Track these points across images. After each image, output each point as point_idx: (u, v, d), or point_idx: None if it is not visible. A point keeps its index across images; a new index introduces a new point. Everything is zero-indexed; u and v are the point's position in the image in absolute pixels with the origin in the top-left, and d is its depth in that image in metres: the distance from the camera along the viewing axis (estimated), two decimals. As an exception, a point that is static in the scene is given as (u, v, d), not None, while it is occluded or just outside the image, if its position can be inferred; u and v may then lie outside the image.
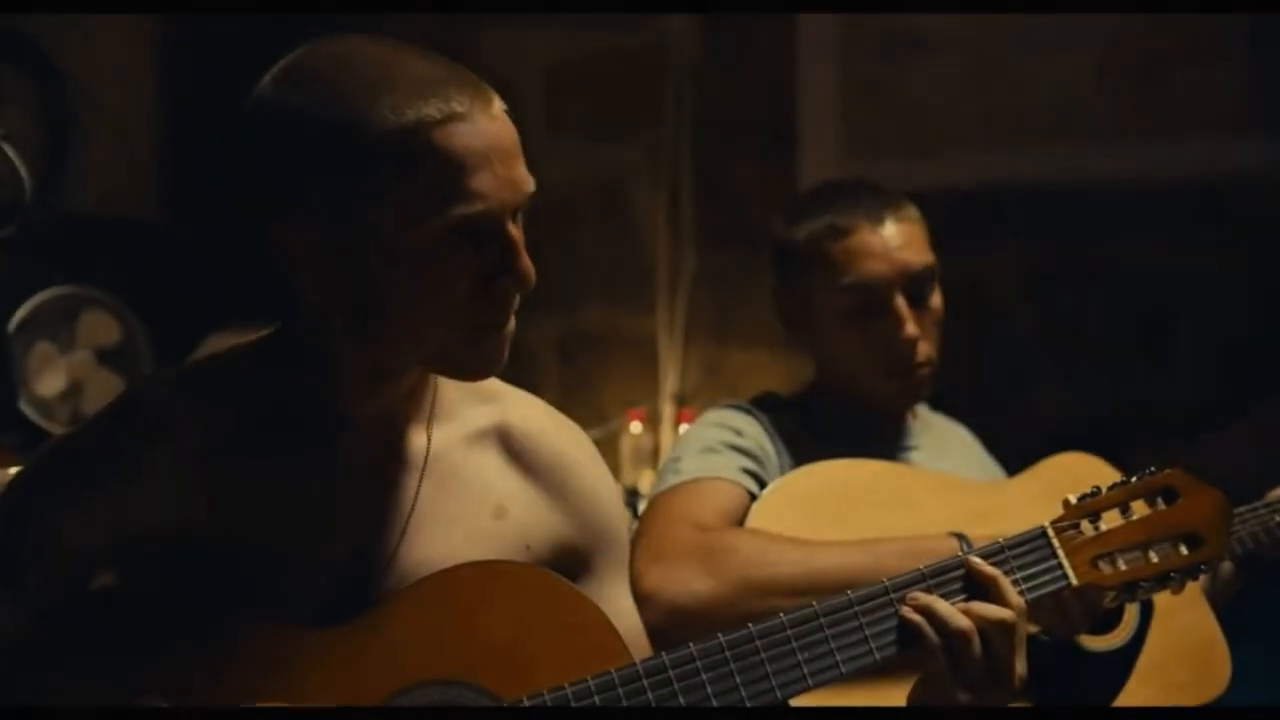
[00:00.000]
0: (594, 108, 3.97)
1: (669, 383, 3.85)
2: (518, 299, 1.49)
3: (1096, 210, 3.65)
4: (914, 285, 2.21)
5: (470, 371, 1.49)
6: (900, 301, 2.20)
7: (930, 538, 2.00)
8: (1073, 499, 1.66)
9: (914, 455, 2.27)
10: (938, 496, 2.13)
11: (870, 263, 2.17)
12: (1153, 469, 1.70)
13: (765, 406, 2.25)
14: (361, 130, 1.37)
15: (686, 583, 1.93)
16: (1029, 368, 3.71)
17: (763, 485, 2.10)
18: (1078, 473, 2.21)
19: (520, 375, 3.87)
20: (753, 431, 2.17)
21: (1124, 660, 2.03)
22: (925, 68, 3.74)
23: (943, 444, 2.34)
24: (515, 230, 1.48)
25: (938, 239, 3.46)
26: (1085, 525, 1.64)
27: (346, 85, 1.39)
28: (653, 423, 3.75)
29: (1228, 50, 3.57)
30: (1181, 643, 2.09)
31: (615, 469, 3.75)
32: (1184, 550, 1.66)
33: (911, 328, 2.19)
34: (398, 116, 1.37)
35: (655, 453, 3.61)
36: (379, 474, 1.50)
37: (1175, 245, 3.61)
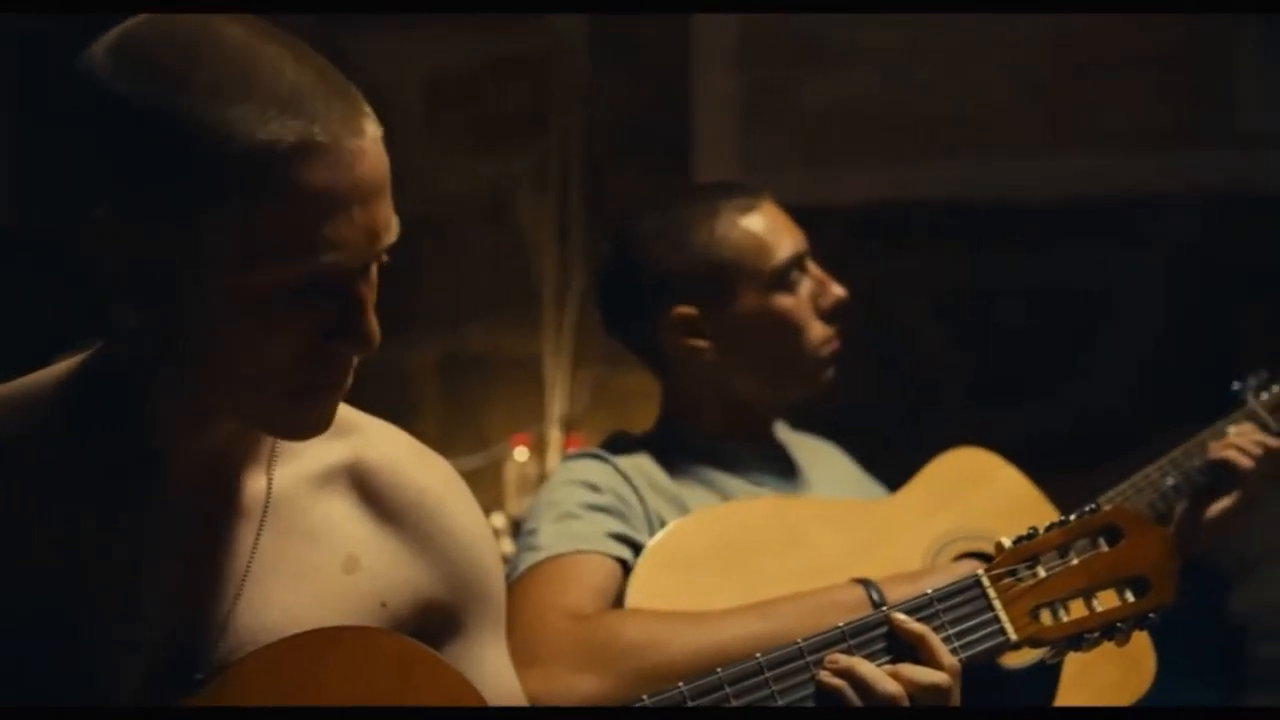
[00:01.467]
0: (477, 117, 3.74)
1: (556, 407, 3.63)
2: (355, 360, 1.23)
3: (1008, 225, 3.50)
4: None
5: (287, 434, 1.25)
6: (813, 264, 2.04)
7: (834, 589, 1.80)
8: (1007, 542, 1.47)
9: (789, 476, 2.07)
10: (828, 527, 1.94)
11: (786, 238, 2.00)
12: (1093, 506, 1.52)
13: (619, 449, 2.00)
14: (201, 139, 1.11)
15: (570, 685, 1.70)
16: (937, 386, 3.55)
17: (634, 546, 1.86)
18: (968, 472, 2.07)
19: (398, 399, 3.68)
20: (610, 483, 1.92)
21: (1048, 671, 1.86)
22: (828, 76, 3.56)
23: (816, 461, 2.14)
24: (366, 288, 1.20)
25: (842, 253, 3.28)
26: (1023, 571, 1.46)
27: (193, 79, 1.11)
28: (539, 449, 3.53)
29: (1147, 62, 3.43)
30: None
31: (499, 498, 3.53)
32: (1130, 597, 1.48)
33: (838, 288, 2.04)
34: (247, 133, 1.11)
35: (541, 480, 3.39)
36: (207, 525, 1.25)
37: (1088, 263, 3.47)
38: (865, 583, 1.81)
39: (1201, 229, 3.43)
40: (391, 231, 1.22)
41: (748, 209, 2.01)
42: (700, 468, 2.02)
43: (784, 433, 2.16)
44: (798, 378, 2.04)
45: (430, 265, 3.73)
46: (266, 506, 1.28)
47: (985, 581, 1.41)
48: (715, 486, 2.01)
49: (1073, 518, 1.50)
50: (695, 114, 3.61)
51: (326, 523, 1.31)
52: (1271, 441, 2.11)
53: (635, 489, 1.94)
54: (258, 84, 1.12)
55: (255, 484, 1.28)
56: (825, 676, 1.32)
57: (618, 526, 1.89)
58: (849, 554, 1.91)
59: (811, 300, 2.01)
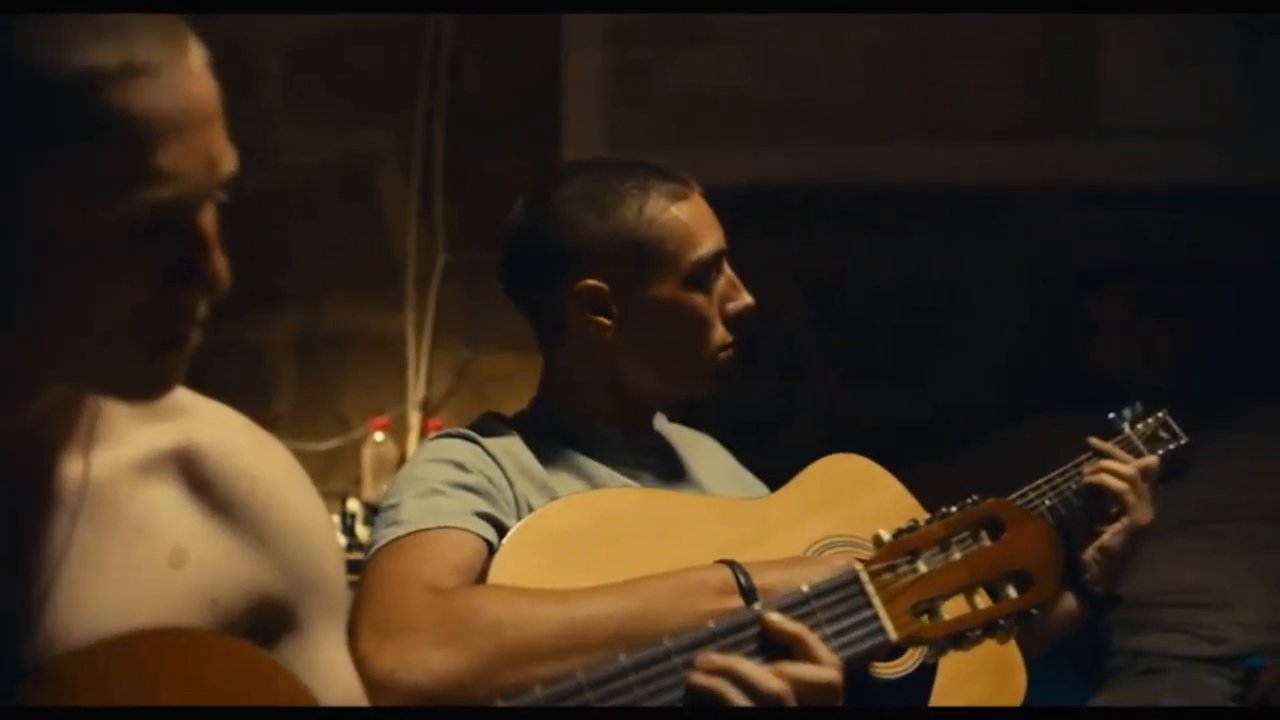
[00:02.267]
0: (340, 88, 3.58)
1: (417, 388, 3.49)
2: (204, 306, 1.10)
3: (875, 211, 3.43)
4: None
5: (133, 396, 1.12)
6: (731, 271, 1.92)
7: (701, 569, 1.69)
8: (886, 535, 1.38)
9: (667, 469, 1.97)
10: (703, 523, 1.83)
11: (711, 234, 1.87)
12: (974, 498, 1.44)
13: (489, 431, 1.87)
14: (14, 68, 0.98)
15: (426, 661, 1.56)
16: (806, 373, 3.47)
17: (499, 529, 1.75)
18: (848, 478, 1.98)
19: (252, 378, 3.51)
20: (478, 464, 1.80)
21: (921, 683, 1.79)
22: (697, 57, 3.46)
23: (696, 456, 2.04)
24: (208, 221, 1.08)
25: None
26: (903, 566, 1.36)
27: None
28: (398, 431, 3.38)
29: (1013, 54, 3.38)
30: (975, 654, 1.85)
31: (357, 481, 3.38)
32: (1013, 592, 1.40)
33: (748, 296, 1.92)
34: (64, 60, 0.98)
35: (400, 464, 3.24)
36: (17, 515, 1.11)
37: (953, 251, 3.41)
38: (732, 564, 1.71)
39: (1062, 220, 3.39)
40: (229, 161, 1.09)
41: (680, 196, 1.88)
42: (573, 454, 1.90)
43: (664, 425, 2.06)
44: (690, 377, 1.93)
45: (289, 239, 3.57)
46: (83, 495, 1.13)
47: (864, 577, 1.32)
48: (587, 475, 1.89)
49: (954, 510, 1.42)
50: (564, 91, 3.48)
51: (151, 513, 1.17)
52: (1139, 461, 2.11)
53: (504, 471, 1.82)
54: (71, 17, 1.01)
55: (70, 469, 1.14)
56: (699, 678, 1.21)
57: (484, 506, 1.77)
58: (722, 551, 1.80)
59: (720, 303, 1.89)
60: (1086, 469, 2.10)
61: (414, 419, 3.46)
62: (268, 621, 1.22)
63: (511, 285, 1.96)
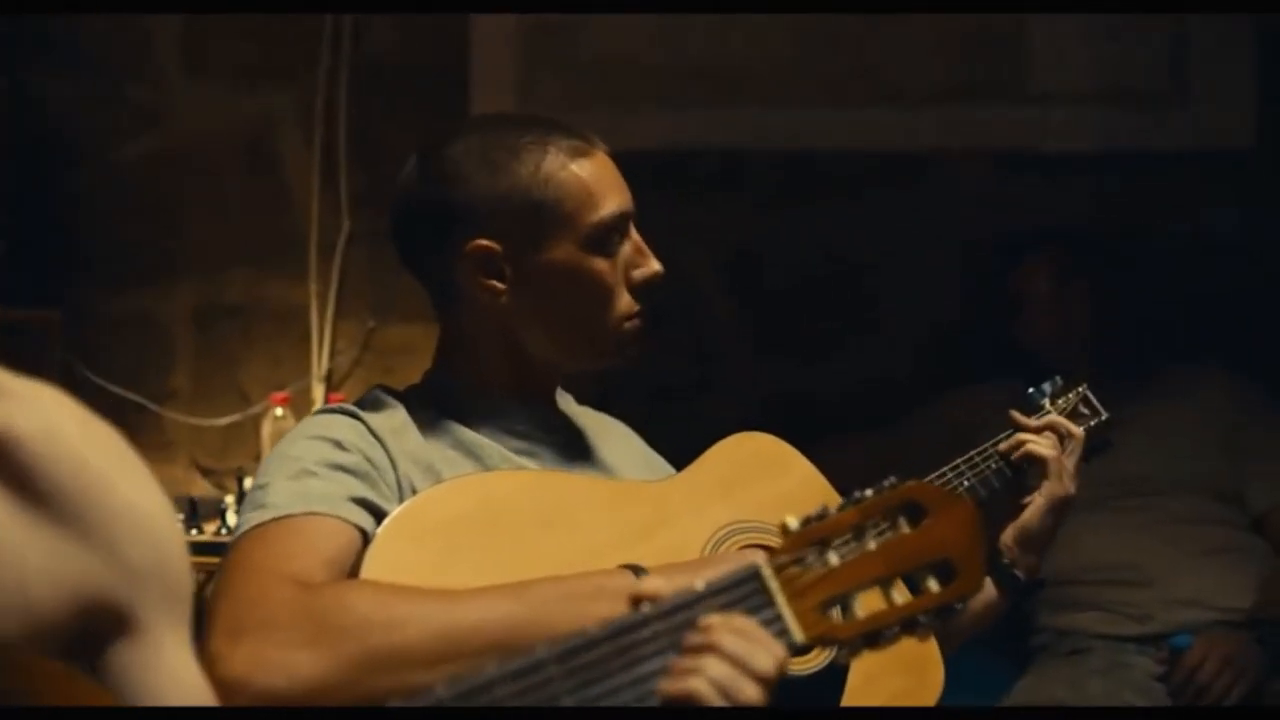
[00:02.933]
0: (238, 49, 3.38)
1: (320, 361, 3.30)
2: None
3: (793, 178, 3.28)
4: None
5: None
6: (635, 230, 1.76)
7: (600, 574, 1.55)
8: (793, 523, 1.23)
9: (569, 450, 1.80)
10: (602, 507, 1.68)
11: (614, 194, 1.72)
12: (892, 480, 1.28)
13: (374, 405, 1.71)
14: None
15: (286, 663, 1.39)
16: (719, 346, 3.31)
17: (378, 515, 1.58)
18: (755, 458, 1.84)
19: (150, 351, 3.32)
20: (358, 442, 1.63)
21: (833, 680, 1.66)
22: (610, 17, 3.28)
23: (602, 439, 1.88)
24: None
25: None
26: (811, 559, 1.21)
27: None
28: (300, 406, 3.19)
29: (939, 17, 3.22)
30: (891, 649, 1.72)
31: (257, 458, 3.20)
32: (934, 585, 1.25)
33: (657, 262, 1.76)
34: None
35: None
36: None
37: (874, 218, 3.26)
38: (636, 569, 1.56)
39: (988, 186, 3.25)
40: None
41: (581, 153, 1.72)
42: (465, 430, 1.74)
43: (571, 406, 1.90)
44: (591, 347, 1.77)
45: (187, 207, 3.37)
46: None
47: (767, 572, 1.17)
48: (478, 454, 1.73)
49: (869, 493, 1.26)
50: (471, 52, 3.30)
51: (-42, 505, 1.00)
52: (1069, 427, 2.01)
53: (388, 451, 1.65)
54: None
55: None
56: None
57: (362, 490, 1.60)
58: (621, 538, 1.66)
59: (625, 269, 1.74)
60: (1005, 446, 1.98)
61: (317, 393, 3.28)
62: (100, 624, 1.05)
63: (403, 248, 1.79)
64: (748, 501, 1.77)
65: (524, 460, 1.75)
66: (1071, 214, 3.19)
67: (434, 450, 1.71)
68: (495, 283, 1.72)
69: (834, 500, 1.73)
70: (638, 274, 1.74)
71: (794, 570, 1.18)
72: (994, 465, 1.97)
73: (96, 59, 3.36)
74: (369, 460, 1.63)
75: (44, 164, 3.31)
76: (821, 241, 3.26)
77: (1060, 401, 2.09)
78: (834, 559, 1.21)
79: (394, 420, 1.70)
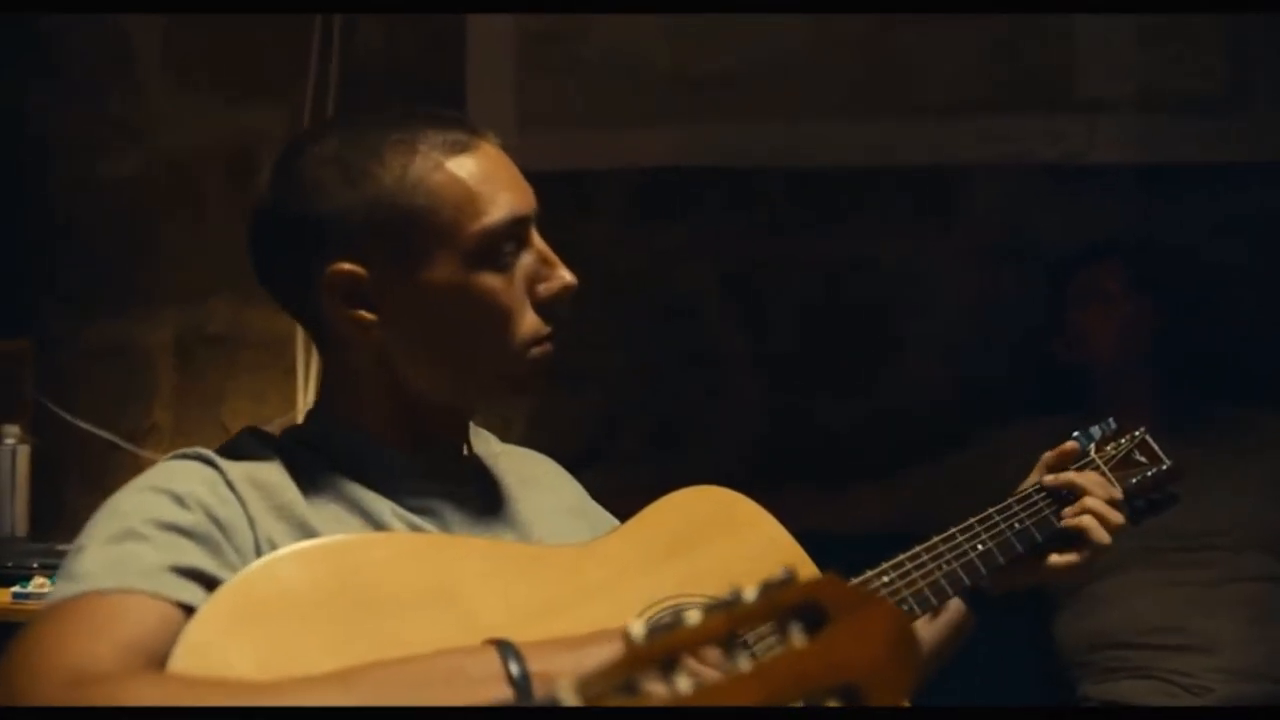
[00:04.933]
0: (225, 62, 3.06)
1: (306, 395, 2.97)
2: None
3: (806, 194, 2.89)
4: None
5: None
6: (538, 237, 1.39)
7: (456, 653, 1.19)
8: (638, 632, 0.85)
9: (481, 504, 1.44)
10: (502, 578, 1.30)
11: (504, 194, 1.35)
12: (786, 572, 0.90)
13: (241, 452, 1.36)
14: None
15: None
16: (723, 370, 2.93)
17: (216, 587, 1.23)
18: (706, 518, 1.44)
19: (129, 384, 2.99)
20: (205, 497, 1.29)
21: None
22: (612, 25, 2.92)
23: (526, 487, 1.51)
24: None
25: (624, 221, 2.61)
26: (650, 684, 0.83)
27: None
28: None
29: (973, 20, 2.82)
30: None
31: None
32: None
33: (568, 272, 1.39)
34: None
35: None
36: None
37: (893, 238, 2.87)
38: (501, 645, 1.19)
39: (1027, 202, 2.84)
40: None
41: (459, 148, 1.35)
42: (350, 484, 1.38)
43: (491, 447, 1.54)
44: (488, 383, 1.40)
45: (169, 229, 3.05)
46: None
47: (566, 697, 0.79)
48: (369, 512, 1.37)
49: (748, 593, 0.88)
50: (467, 66, 2.96)
51: None
52: (1097, 485, 1.61)
53: (246, 508, 1.30)
54: None
55: None
56: None
57: (196, 559, 1.25)
58: (520, 616, 1.28)
59: (528, 282, 1.37)
60: (1066, 512, 1.58)
61: (302, 428, 2.94)
62: None
63: (260, 273, 1.43)
64: (696, 569, 1.38)
65: (421, 520, 1.38)
66: (1120, 233, 2.78)
67: (312, 508, 1.34)
68: (363, 313, 1.36)
69: (804, 564, 1.35)
70: (544, 289, 1.38)
71: (616, 700, 0.80)
72: (1018, 526, 1.56)
73: (74, 70, 3.06)
74: (214, 520, 1.28)
75: (16, 181, 3.01)
76: (841, 265, 2.87)
77: (1110, 448, 1.68)
78: (684, 686, 0.83)
79: (262, 471, 1.34)
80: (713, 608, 0.87)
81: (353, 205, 1.33)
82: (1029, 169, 2.84)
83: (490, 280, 1.35)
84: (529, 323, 1.37)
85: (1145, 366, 2.60)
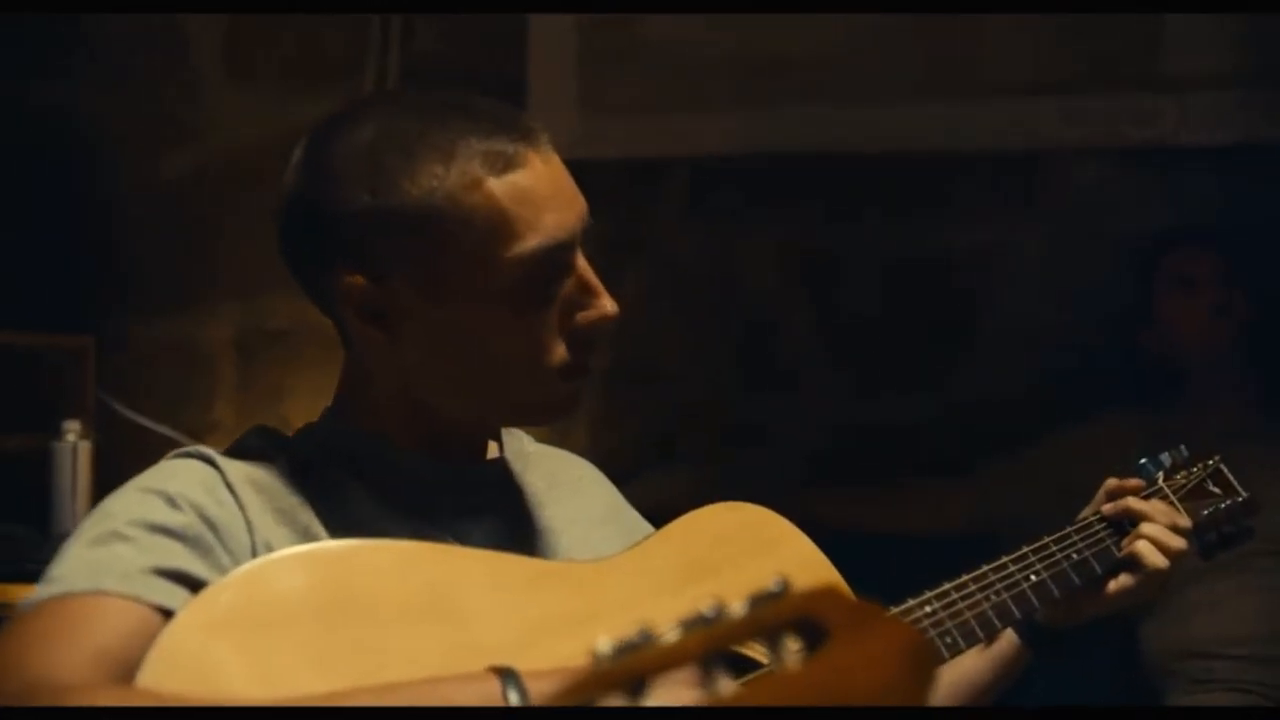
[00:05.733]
0: (284, 54, 2.98)
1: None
2: None
3: (876, 181, 2.74)
4: (584, 235, 1.26)
5: None
6: (586, 263, 1.26)
7: (453, 681, 1.08)
8: (604, 648, 0.73)
9: (500, 511, 1.32)
10: (510, 592, 1.19)
11: (552, 213, 1.21)
12: (779, 583, 0.77)
13: (246, 451, 1.26)
14: None
15: None
16: (800, 368, 2.79)
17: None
18: (737, 534, 1.31)
19: (191, 382, 2.93)
20: (201, 498, 1.19)
21: None
22: (676, 12, 2.79)
23: (557, 493, 1.39)
24: None
25: (691, 211, 2.45)
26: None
27: None
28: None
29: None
30: None
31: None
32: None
33: (610, 300, 1.25)
34: None
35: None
36: None
37: (969, 226, 2.72)
38: (507, 675, 1.08)
39: (1111, 186, 2.67)
40: None
41: (501, 163, 1.19)
42: (360, 489, 1.27)
43: (519, 444, 1.41)
44: (511, 409, 1.30)
45: (227, 225, 2.98)
46: None
47: None
48: (373, 516, 1.26)
49: (734, 607, 0.75)
50: (529, 54, 2.85)
51: None
52: (1182, 520, 1.45)
53: (244, 509, 1.21)
54: None
55: None
56: None
57: (183, 561, 1.15)
58: (525, 635, 1.17)
59: (565, 310, 1.24)
60: (1101, 532, 1.44)
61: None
62: None
63: (286, 259, 1.33)
64: (719, 591, 1.25)
65: (433, 527, 1.27)
66: (1211, 217, 2.60)
67: (317, 512, 1.24)
68: (372, 330, 1.24)
69: (840, 594, 1.21)
70: (581, 318, 1.24)
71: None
72: (1075, 556, 1.41)
73: (131, 65, 3.00)
74: (207, 521, 1.18)
75: (75, 179, 2.96)
76: (915, 252, 2.72)
77: (1179, 477, 1.52)
78: (675, 689, 0.71)
79: (266, 472, 1.25)
80: (692, 624, 0.75)
81: (374, 214, 1.20)
82: (1115, 151, 2.67)
83: (519, 314, 1.21)
84: (557, 355, 1.23)
85: (1236, 359, 2.43)
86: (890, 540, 2.49)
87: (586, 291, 1.24)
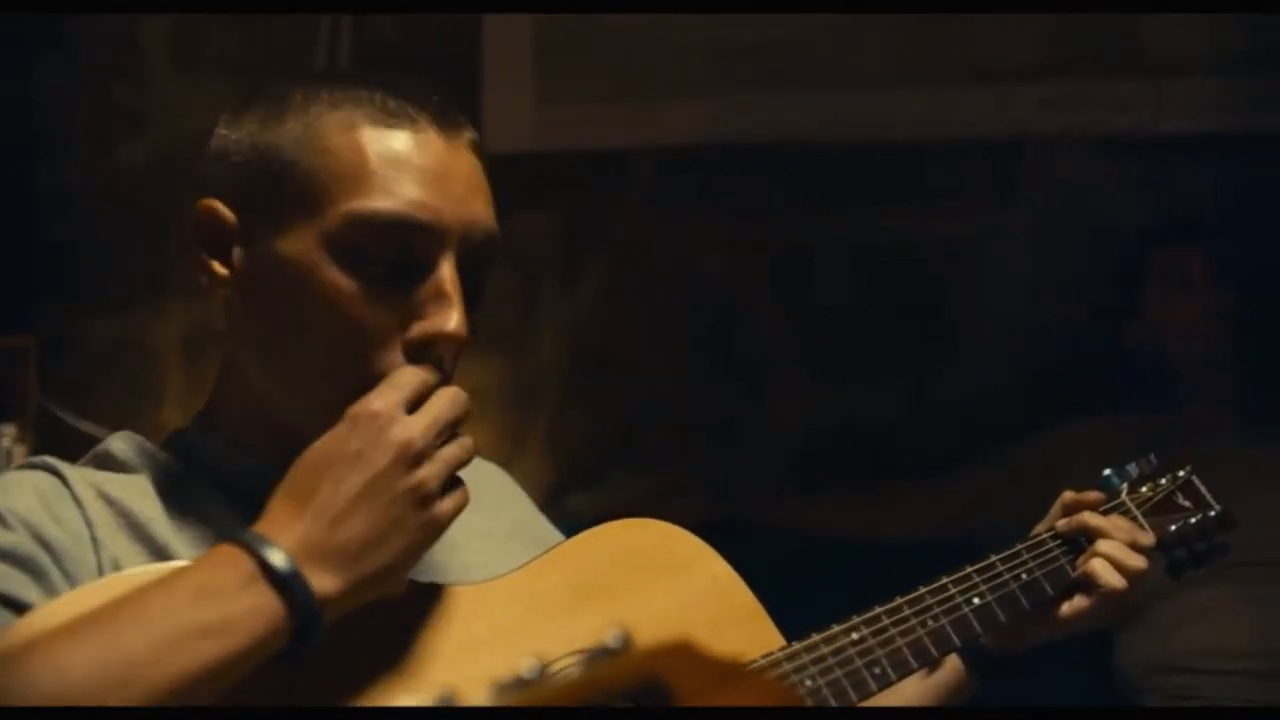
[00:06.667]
0: (230, 46, 2.84)
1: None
2: None
3: (848, 171, 2.60)
4: (472, 253, 1.11)
5: None
6: (451, 271, 1.09)
7: (198, 568, 0.99)
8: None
9: None
10: (360, 628, 1.02)
11: (425, 192, 1.08)
12: (617, 639, 0.64)
13: (104, 460, 1.16)
14: None
15: None
16: (767, 364, 2.65)
17: None
18: (640, 554, 1.16)
19: (139, 382, 2.80)
20: (38, 514, 1.07)
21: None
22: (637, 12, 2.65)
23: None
24: None
25: (653, 202, 2.21)
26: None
27: None
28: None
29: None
30: None
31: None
32: None
33: (458, 318, 1.09)
34: None
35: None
36: None
37: (945, 217, 2.58)
38: (250, 539, 1.00)
39: (1092, 175, 2.54)
40: None
41: (391, 120, 1.09)
42: (217, 501, 1.15)
43: None
44: (324, 405, 1.08)
45: (177, 220, 2.83)
46: None
47: None
48: (228, 536, 1.13)
49: (562, 668, 0.62)
50: (484, 41, 2.71)
51: None
52: (1144, 538, 1.32)
53: (90, 526, 1.09)
54: None
55: None
56: None
57: (12, 585, 1.04)
58: (392, 669, 1.03)
59: (405, 311, 1.08)
60: (1055, 550, 1.31)
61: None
62: None
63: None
64: (621, 614, 1.11)
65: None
66: (1196, 208, 2.46)
67: (173, 528, 1.12)
68: (217, 265, 1.13)
69: (753, 619, 1.07)
70: (417, 328, 1.08)
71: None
72: (1025, 576, 1.27)
73: (78, 61, 2.86)
74: (41, 541, 1.07)
75: (17, 170, 2.82)
76: (887, 244, 2.59)
77: (1145, 489, 1.39)
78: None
79: (121, 483, 1.14)
80: (505, 687, 0.61)
81: (244, 144, 1.11)
82: (1095, 139, 2.54)
83: (340, 279, 1.07)
84: (386, 361, 1.08)
85: (1227, 361, 2.30)
86: (864, 547, 2.37)
87: (437, 303, 1.08)
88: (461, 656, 1.03)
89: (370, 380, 1.06)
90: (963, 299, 2.59)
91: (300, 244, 1.08)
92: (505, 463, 2.73)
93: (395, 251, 1.08)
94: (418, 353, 1.08)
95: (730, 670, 0.64)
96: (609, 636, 0.63)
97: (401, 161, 1.08)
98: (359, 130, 1.09)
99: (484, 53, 2.70)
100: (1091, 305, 2.51)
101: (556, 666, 1.03)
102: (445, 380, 1.08)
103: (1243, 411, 2.31)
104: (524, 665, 0.61)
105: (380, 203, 1.07)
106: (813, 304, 2.62)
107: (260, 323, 1.13)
